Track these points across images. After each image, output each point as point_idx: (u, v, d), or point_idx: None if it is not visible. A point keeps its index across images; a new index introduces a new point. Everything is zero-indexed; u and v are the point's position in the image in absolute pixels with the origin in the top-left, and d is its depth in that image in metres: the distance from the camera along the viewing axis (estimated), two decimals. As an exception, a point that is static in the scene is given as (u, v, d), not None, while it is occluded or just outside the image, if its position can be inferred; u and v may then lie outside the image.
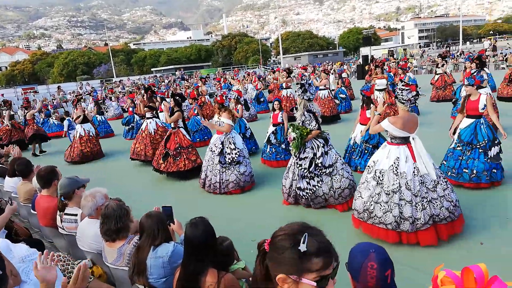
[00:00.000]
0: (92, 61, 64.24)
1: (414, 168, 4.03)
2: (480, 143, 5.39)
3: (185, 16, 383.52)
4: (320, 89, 12.25)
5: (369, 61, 27.10)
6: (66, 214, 3.60)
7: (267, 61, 69.07)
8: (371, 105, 6.77)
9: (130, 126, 13.35)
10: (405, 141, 4.15)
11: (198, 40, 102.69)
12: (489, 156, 5.36)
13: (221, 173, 6.39)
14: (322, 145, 5.22)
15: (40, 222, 4.10)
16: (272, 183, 6.73)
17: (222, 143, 6.42)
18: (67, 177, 3.67)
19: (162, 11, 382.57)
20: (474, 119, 5.56)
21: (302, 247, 1.21)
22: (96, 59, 65.10)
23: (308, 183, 5.19)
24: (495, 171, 5.39)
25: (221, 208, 5.96)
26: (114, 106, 21.24)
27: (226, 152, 6.38)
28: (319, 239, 1.27)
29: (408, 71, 17.42)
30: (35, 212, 4.24)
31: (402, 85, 4.29)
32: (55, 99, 26.11)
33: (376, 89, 10.14)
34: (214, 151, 6.47)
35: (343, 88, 14.39)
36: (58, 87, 31.58)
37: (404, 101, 4.13)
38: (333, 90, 14.36)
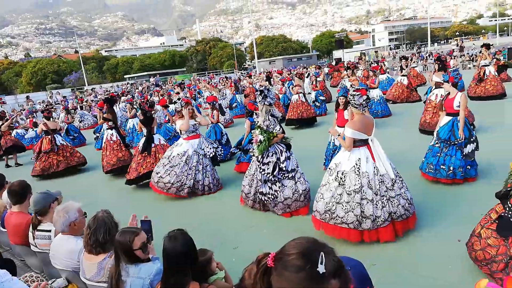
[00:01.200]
0: (62, 69, 62.43)
1: (374, 167, 4.20)
2: (458, 139, 5.56)
3: (158, 22, 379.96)
4: (293, 94, 12.37)
5: (335, 63, 27.40)
6: (38, 230, 3.46)
7: (242, 65, 69.12)
8: (349, 106, 6.88)
9: (96, 136, 13.16)
10: (364, 143, 4.30)
11: (171, 46, 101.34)
12: (464, 153, 5.55)
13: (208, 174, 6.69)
14: (285, 150, 5.34)
15: (10, 240, 3.93)
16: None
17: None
18: (40, 192, 3.53)
19: (134, 17, 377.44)
20: (451, 117, 5.73)
21: (321, 268, 1.14)
22: (66, 67, 63.30)
23: (270, 187, 5.25)
24: (469, 167, 5.60)
25: (193, 214, 5.94)
26: (87, 115, 20.78)
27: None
28: (334, 258, 1.20)
29: (383, 71, 17.82)
30: (5, 230, 4.06)
31: (353, 90, 4.43)
32: (24, 110, 25.28)
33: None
34: (206, 154, 6.71)
35: (320, 90, 14.61)
36: (27, 97, 30.66)
37: (357, 105, 4.30)
38: (309, 93, 14.49)
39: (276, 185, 5.24)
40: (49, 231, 3.40)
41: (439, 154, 5.68)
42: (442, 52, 36.67)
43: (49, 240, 3.36)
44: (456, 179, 5.56)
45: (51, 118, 10.26)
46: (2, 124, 12.30)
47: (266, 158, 5.29)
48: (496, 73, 13.32)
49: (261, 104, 5.33)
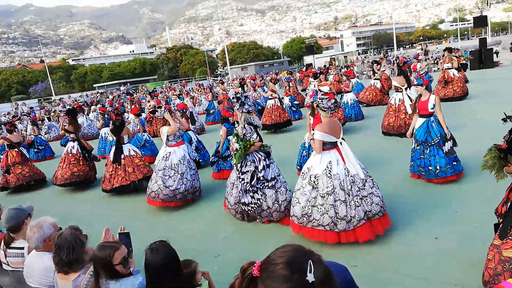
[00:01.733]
0: (28, 79, 60.28)
1: (345, 169, 4.29)
2: (434, 140, 5.73)
3: (127, 30, 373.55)
4: (269, 99, 12.45)
5: (305, 69, 27.66)
6: (11, 248, 3.30)
7: (214, 72, 68.99)
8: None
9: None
10: (333, 145, 4.40)
11: (141, 54, 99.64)
12: (444, 152, 5.71)
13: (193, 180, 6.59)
14: (263, 158, 5.26)
15: (-21, 259, 3.72)
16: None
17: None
18: (12, 208, 3.37)
19: (101, 25, 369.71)
20: (425, 118, 5.90)
21: (310, 277, 1.10)
22: (31, 77, 61.15)
23: (252, 197, 5.18)
24: (455, 163, 5.76)
25: (174, 223, 5.84)
26: (55, 126, 20.07)
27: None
28: (322, 266, 1.18)
29: (353, 76, 18.24)
30: (-27, 249, 3.84)
31: (322, 94, 4.57)
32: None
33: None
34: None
35: (293, 95, 14.81)
36: (-10, 109, 29.35)
37: (325, 109, 4.44)
38: (282, 98, 14.68)
39: (258, 194, 5.15)
40: (22, 248, 3.25)
41: (422, 156, 5.84)
42: (408, 56, 37.92)
43: (22, 258, 3.21)
44: (449, 177, 5.69)
45: (13, 132, 9.84)
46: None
47: (245, 167, 5.22)
48: (457, 71, 13.82)
49: (239, 111, 5.27)
